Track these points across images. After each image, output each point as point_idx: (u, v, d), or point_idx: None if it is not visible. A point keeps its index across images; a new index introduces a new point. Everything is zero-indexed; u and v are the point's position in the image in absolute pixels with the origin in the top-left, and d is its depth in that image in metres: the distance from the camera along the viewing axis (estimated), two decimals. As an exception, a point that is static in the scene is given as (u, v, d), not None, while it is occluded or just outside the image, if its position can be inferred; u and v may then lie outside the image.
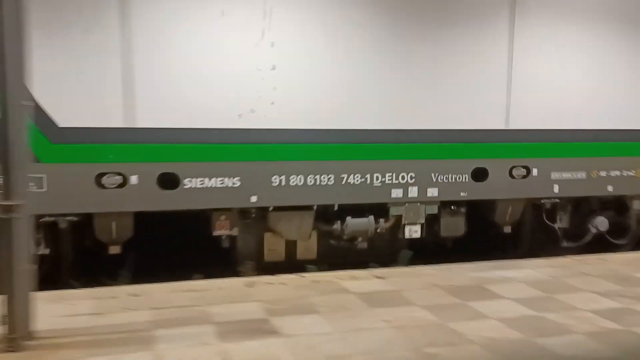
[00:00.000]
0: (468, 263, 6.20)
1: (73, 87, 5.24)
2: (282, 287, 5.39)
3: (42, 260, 5.35)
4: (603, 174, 7.22)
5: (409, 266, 6.56)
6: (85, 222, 5.67)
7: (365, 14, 6.09)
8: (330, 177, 6.23)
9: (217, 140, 5.80)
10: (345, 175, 6.28)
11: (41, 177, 5.27)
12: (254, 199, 6.01)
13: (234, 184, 5.91)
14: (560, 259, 6.59)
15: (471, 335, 4.12)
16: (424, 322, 4.40)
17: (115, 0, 5.33)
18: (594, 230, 7.50)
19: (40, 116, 5.14)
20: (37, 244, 5.44)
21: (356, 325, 4.36)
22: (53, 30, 5.00)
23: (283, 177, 6.06)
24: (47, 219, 5.46)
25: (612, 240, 7.66)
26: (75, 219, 5.61)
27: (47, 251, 5.66)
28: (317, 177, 6.18)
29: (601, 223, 7.43)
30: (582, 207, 7.52)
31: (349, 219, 6.59)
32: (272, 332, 4.22)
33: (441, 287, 5.34)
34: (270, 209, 6.19)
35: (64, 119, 5.26)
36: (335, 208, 6.45)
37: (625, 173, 7.29)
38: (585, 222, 7.52)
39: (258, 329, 4.27)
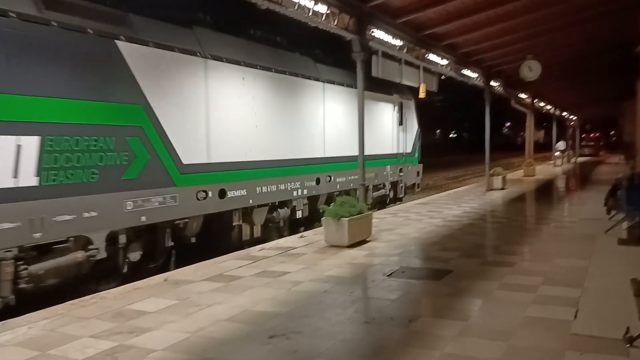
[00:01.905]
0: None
1: (187, 139, 9.06)
2: None
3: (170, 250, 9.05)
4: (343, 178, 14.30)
5: None
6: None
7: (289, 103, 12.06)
8: (274, 186, 11.30)
9: (238, 168, 10.25)
10: (280, 185, 11.49)
11: (174, 195, 8.71)
12: (250, 201, 10.58)
13: (244, 193, 10.35)
14: (57, 307, 5.90)
15: None
16: None
17: (203, 89, 9.45)
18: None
19: (170, 158, 8.69)
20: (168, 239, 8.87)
21: None
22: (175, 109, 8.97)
23: (260, 187, 10.82)
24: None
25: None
26: (187, 220, 9.12)
27: (172, 244, 8.97)
28: (271, 186, 11.18)
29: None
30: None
31: (279, 209, 11.62)
32: None
33: None
34: (256, 206, 10.78)
35: (185, 159, 8.98)
36: (276, 204, 11.53)
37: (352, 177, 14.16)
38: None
39: None
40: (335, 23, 9.78)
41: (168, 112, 8.66)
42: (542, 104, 31.09)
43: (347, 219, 8.93)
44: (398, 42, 12.40)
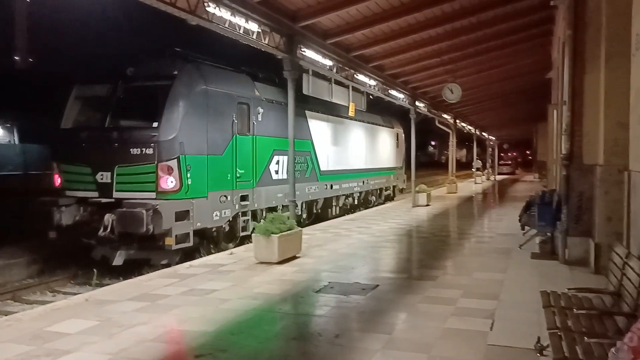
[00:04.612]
0: None
1: (321, 157, 16.35)
2: None
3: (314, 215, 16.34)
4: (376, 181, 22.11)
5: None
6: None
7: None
8: (347, 184, 18.43)
9: (336, 173, 17.27)
10: (350, 183, 18.74)
11: (317, 185, 16.01)
12: (340, 192, 17.87)
13: (338, 187, 17.56)
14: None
15: None
16: None
17: (327, 131, 16.96)
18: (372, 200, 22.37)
19: (317, 167, 16.12)
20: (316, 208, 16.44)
21: None
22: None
23: (342, 184, 18.03)
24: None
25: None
26: (320, 200, 16.55)
27: (316, 211, 16.55)
28: (345, 184, 18.31)
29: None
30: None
31: (348, 198, 18.77)
32: None
33: None
34: (341, 195, 18.23)
35: (321, 167, 16.40)
36: (347, 195, 18.83)
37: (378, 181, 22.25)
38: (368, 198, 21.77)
39: None
40: (267, 42, 9.90)
41: (316, 143, 15.92)
42: (463, 124, 32.63)
43: (277, 235, 8.96)
44: (328, 62, 12.69)
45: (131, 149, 10.16)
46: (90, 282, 10.16)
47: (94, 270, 9.68)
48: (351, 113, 16.51)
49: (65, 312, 6.24)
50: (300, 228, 10.01)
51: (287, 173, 13.35)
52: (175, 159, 10.04)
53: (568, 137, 8.55)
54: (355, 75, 14.62)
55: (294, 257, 9.47)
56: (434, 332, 5.40)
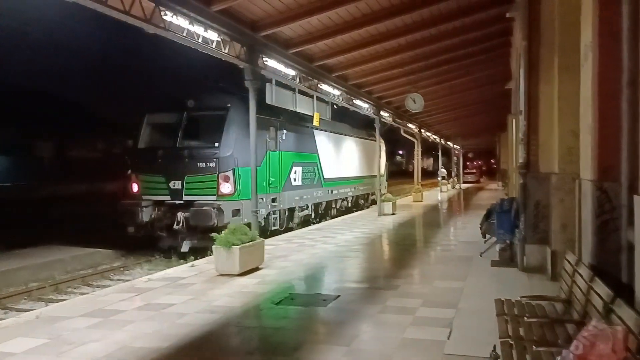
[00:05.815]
0: None
1: (324, 166, 19.91)
2: None
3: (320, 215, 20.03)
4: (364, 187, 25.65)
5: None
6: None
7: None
8: (343, 190, 22.19)
9: (334, 180, 20.88)
10: (345, 189, 22.56)
11: (321, 190, 19.64)
12: (337, 196, 21.60)
13: (337, 192, 21.48)
14: None
15: None
16: None
17: (328, 144, 20.61)
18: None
19: (322, 175, 19.86)
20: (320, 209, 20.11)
21: None
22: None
23: (340, 190, 21.83)
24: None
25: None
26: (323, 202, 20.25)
27: (321, 212, 20.28)
28: (342, 190, 22.05)
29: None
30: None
31: (343, 201, 22.68)
32: None
33: None
34: (339, 199, 22.11)
35: (325, 175, 19.91)
36: (343, 198, 22.77)
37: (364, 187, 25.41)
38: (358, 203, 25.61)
39: None
40: (227, 51, 9.82)
41: (321, 156, 19.21)
42: (428, 133, 33.05)
43: (238, 246, 8.83)
44: (291, 72, 12.67)
45: (198, 163, 13.36)
46: (43, 297, 9.84)
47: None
48: (316, 123, 16.51)
49: (13, 330, 5.99)
50: (262, 239, 9.91)
51: (301, 180, 17.36)
52: (231, 170, 13.22)
53: (525, 146, 8.70)
54: (319, 85, 14.64)
55: (256, 269, 9.35)
56: (392, 343, 5.37)
